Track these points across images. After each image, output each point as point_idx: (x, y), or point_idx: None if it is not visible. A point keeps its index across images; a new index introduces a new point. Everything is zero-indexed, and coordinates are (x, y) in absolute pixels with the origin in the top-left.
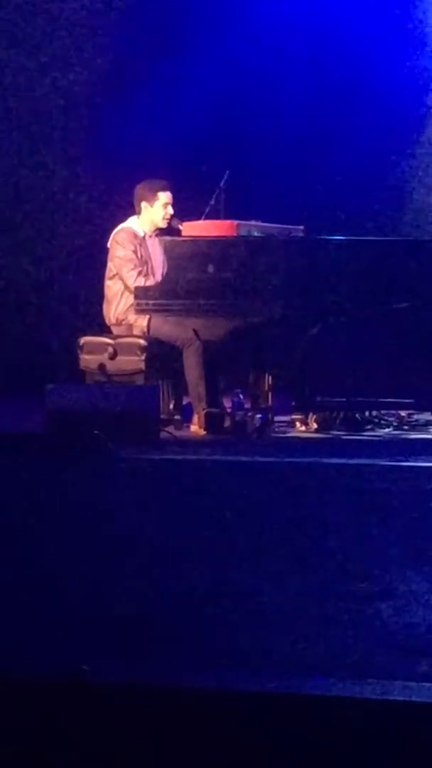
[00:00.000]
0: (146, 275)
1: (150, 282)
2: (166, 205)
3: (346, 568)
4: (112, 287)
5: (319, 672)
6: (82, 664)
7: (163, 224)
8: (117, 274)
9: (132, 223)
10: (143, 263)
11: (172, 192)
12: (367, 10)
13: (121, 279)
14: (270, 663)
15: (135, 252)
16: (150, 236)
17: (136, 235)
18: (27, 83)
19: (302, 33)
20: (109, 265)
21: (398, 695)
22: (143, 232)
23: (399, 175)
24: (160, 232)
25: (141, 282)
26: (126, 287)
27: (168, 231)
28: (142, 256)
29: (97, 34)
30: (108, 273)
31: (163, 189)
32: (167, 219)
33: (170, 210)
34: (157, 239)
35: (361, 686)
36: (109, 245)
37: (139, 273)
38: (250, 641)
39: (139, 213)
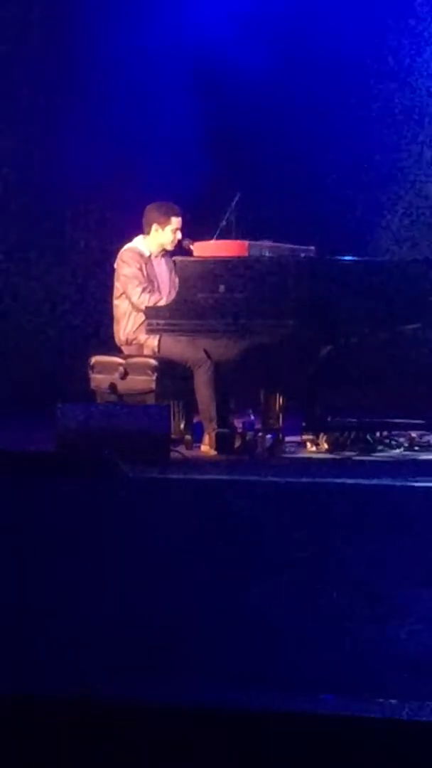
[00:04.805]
0: (151, 292)
1: (155, 299)
2: (176, 230)
3: (357, 589)
4: (120, 306)
5: (329, 691)
6: (87, 681)
7: (170, 247)
8: (124, 292)
9: (138, 242)
10: (148, 282)
11: (182, 217)
12: (378, 26)
13: (127, 296)
14: (280, 682)
15: (140, 270)
16: (155, 256)
17: (141, 255)
18: (32, 99)
19: (314, 54)
20: (116, 284)
21: (408, 715)
22: (149, 252)
23: (411, 194)
24: (169, 253)
25: (146, 298)
26: (132, 304)
27: (179, 251)
28: (147, 274)
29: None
30: (115, 293)
31: (177, 215)
32: (175, 243)
33: (179, 235)
34: (164, 259)
35: (371, 705)
36: (115, 265)
37: (144, 290)
38: (260, 660)
39: (147, 233)
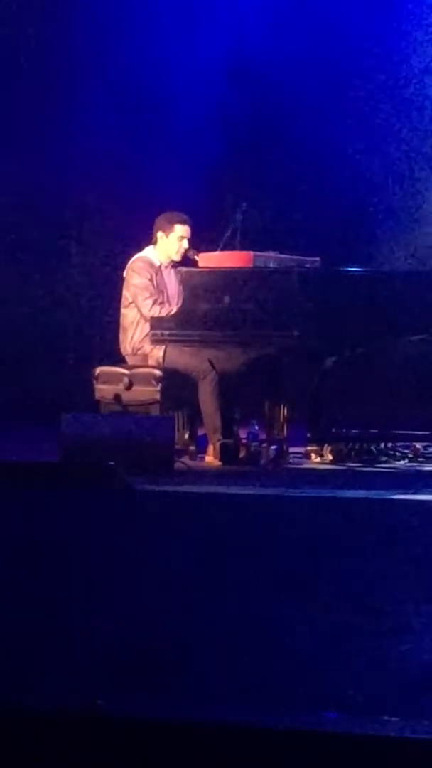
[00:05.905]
0: (162, 303)
1: (166, 311)
2: (181, 238)
3: (361, 603)
4: (127, 316)
5: (333, 709)
6: (88, 697)
7: (176, 257)
8: (133, 302)
9: (148, 252)
10: (159, 292)
11: (190, 227)
12: (381, 31)
13: (137, 307)
14: (282, 699)
15: (151, 280)
16: (165, 266)
17: (152, 264)
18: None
19: (322, 64)
20: (125, 293)
21: (412, 733)
22: (159, 261)
23: (416, 204)
24: (176, 263)
25: (156, 310)
26: (142, 315)
27: (184, 262)
28: (157, 285)
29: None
30: (124, 302)
31: (181, 222)
32: (181, 252)
33: (185, 244)
34: (172, 270)
35: (374, 723)
36: (125, 274)
37: (155, 301)
38: (262, 677)
39: (155, 243)
